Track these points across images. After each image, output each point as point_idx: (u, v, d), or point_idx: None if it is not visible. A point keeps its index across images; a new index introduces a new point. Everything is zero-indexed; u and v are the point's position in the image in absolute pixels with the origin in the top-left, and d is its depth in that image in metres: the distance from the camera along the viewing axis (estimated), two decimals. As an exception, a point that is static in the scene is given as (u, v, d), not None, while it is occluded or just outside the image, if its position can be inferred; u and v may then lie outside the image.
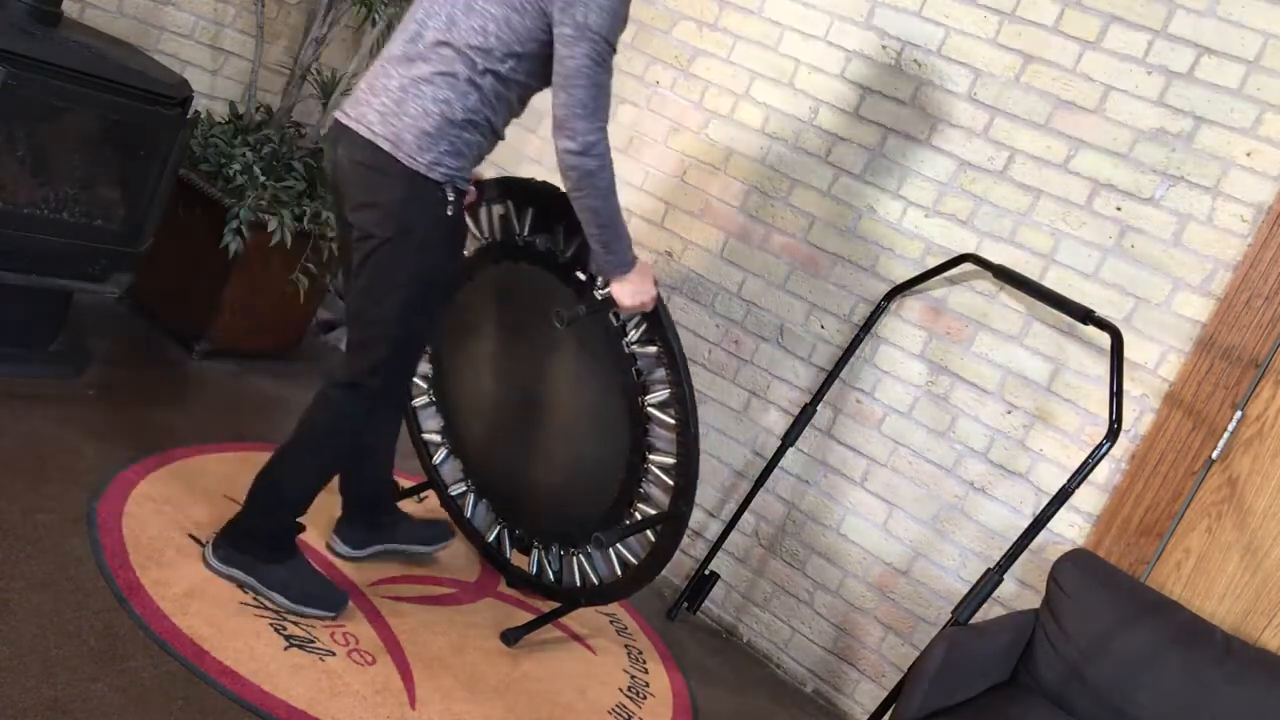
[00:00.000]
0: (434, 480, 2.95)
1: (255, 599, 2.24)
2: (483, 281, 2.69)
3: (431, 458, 2.94)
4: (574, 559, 2.69)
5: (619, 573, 2.62)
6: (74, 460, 2.46)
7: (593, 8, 2.01)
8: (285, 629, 2.20)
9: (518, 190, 2.54)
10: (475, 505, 2.89)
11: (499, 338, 2.73)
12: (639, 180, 3.32)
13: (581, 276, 2.46)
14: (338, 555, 2.55)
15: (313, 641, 2.20)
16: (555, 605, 2.71)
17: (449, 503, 2.93)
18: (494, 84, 2.11)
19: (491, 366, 2.76)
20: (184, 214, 3.23)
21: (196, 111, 3.12)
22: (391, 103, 2.11)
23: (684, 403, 2.39)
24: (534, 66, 2.13)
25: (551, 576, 2.73)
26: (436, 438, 2.94)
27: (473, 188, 2.36)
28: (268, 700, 1.97)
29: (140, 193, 2.81)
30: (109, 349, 3.09)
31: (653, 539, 2.55)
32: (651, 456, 2.49)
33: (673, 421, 2.43)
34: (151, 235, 2.90)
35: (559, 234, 2.49)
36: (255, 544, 2.26)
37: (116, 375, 2.96)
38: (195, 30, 3.52)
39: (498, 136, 2.23)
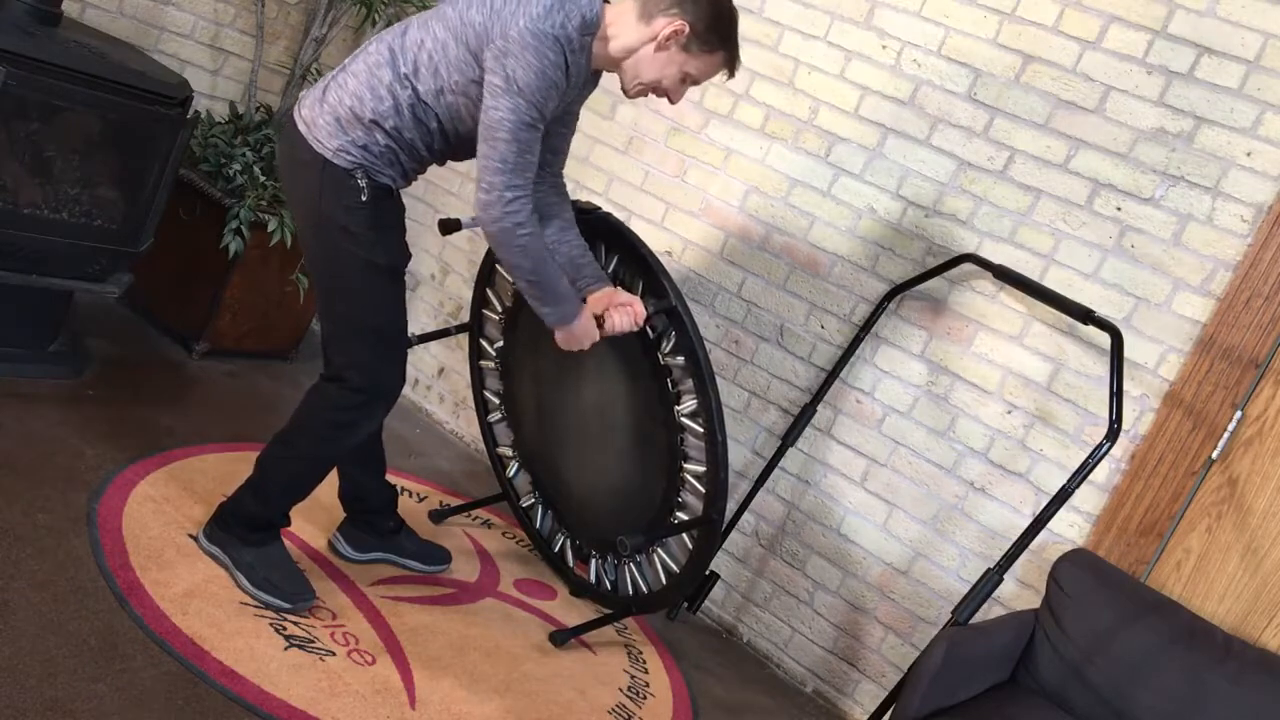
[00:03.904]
0: (507, 493, 3.05)
1: (254, 599, 2.25)
2: None
3: (505, 470, 3.04)
4: (626, 568, 2.77)
5: (664, 580, 2.69)
6: (74, 460, 2.46)
7: (523, 65, 1.99)
8: (285, 629, 2.20)
9: None
10: (544, 516, 2.98)
11: (556, 354, 2.81)
12: (639, 180, 3.32)
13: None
14: (339, 555, 2.56)
15: (313, 641, 2.20)
16: (564, 603, 2.72)
17: (520, 514, 3.00)
18: (411, 100, 2.10)
19: (548, 381, 2.86)
20: (184, 214, 3.23)
21: (196, 111, 3.12)
22: (321, 89, 2.16)
23: (710, 412, 2.47)
24: (456, 107, 2.12)
25: (609, 585, 2.81)
26: (509, 451, 3.04)
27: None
28: (268, 700, 1.97)
29: (140, 193, 2.81)
30: (109, 349, 3.09)
31: (690, 545, 2.62)
32: (686, 465, 2.55)
33: (701, 430, 2.47)
34: (151, 235, 2.90)
35: (599, 251, 2.60)
36: (238, 523, 2.30)
37: (116, 375, 2.96)
38: (195, 30, 3.52)
39: (425, 156, 2.21)
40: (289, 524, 2.37)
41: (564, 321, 2.27)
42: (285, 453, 2.30)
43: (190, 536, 2.36)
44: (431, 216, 3.69)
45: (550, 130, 2.31)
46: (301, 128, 2.13)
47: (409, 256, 2.28)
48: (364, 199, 2.12)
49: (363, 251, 2.16)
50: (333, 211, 2.13)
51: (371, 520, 2.59)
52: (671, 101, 2.23)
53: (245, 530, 2.30)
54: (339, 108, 2.11)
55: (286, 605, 2.25)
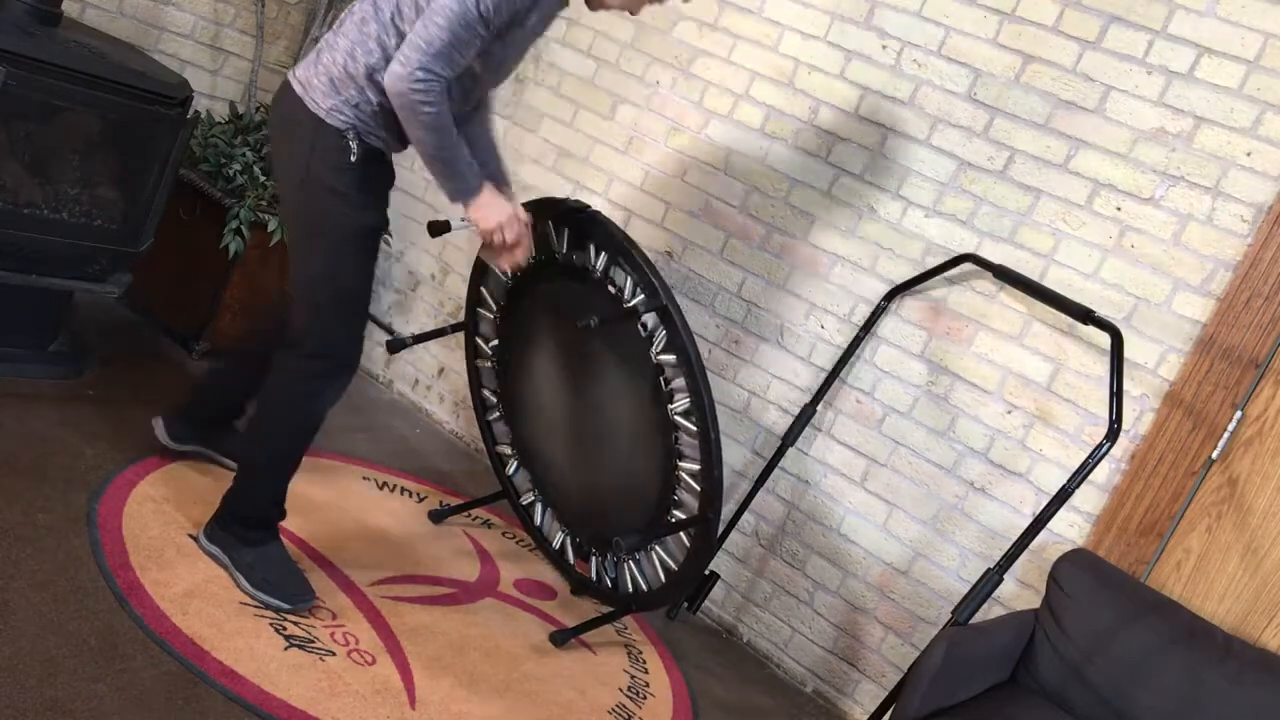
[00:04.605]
0: (507, 490, 3.05)
1: (255, 601, 2.25)
2: (534, 298, 2.81)
3: (505, 468, 3.04)
4: (626, 566, 2.78)
5: (663, 578, 2.69)
6: (74, 460, 2.46)
7: None
8: (285, 629, 2.20)
9: (554, 210, 2.68)
10: (543, 514, 2.98)
11: (551, 352, 2.84)
12: (639, 180, 3.32)
13: (611, 290, 2.60)
14: (155, 442, 2.59)
15: (313, 641, 2.20)
16: (564, 602, 2.72)
17: (520, 511, 3.03)
18: (399, 45, 2.10)
19: (545, 379, 2.86)
20: (184, 214, 3.23)
21: (196, 111, 3.12)
22: (315, 52, 2.21)
23: (703, 410, 2.47)
24: None
25: (609, 583, 2.81)
26: (508, 449, 3.04)
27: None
28: (268, 700, 1.97)
29: (140, 193, 2.81)
30: (109, 349, 3.09)
31: (687, 544, 2.62)
32: (682, 464, 2.55)
33: (695, 428, 2.47)
34: (151, 235, 2.90)
35: (589, 250, 2.62)
36: (234, 523, 2.32)
37: (116, 375, 2.96)
38: (195, 30, 3.52)
39: None
40: (284, 516, 2.38)
41: (464, 196, 2.23)
42: (256, 433, 2.34)
43: (190, 537, 2.36)
44: (431, 216, 3.69)
45: (507, 41, 2.31)
46: (298, 89, 2.18)
47: (388, 223, 2.33)
48: (353, 159, 2.16)
49: (350, 210, 2.20)
50: (321, 170, 2.17)
51: (202, 416, 2.64)
52: (632, 14, 2.37)
53: (243, 529, 2.30)
54: (333, 68, 2.15)
55: (286, 605, 2.25)
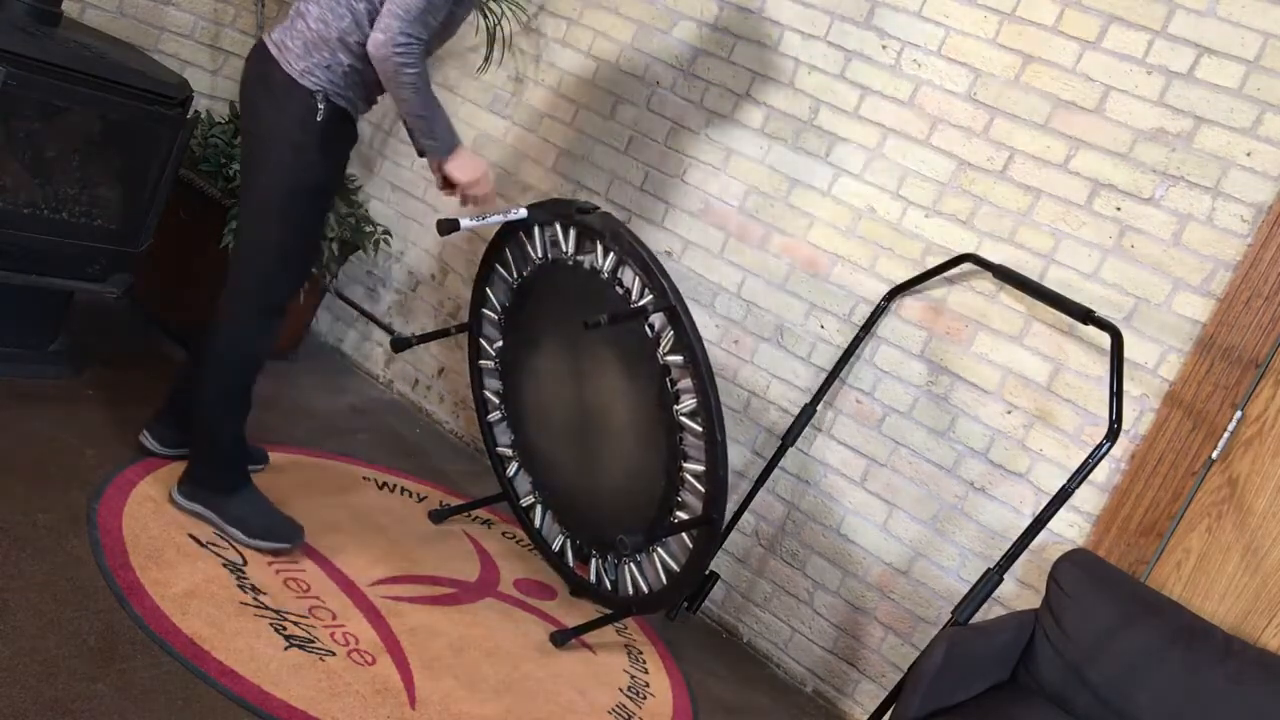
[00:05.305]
0: (507, 492, 3.06)
1: (254, 599, 2.25)
2: (539, 298, 2.82)
3: (505, 470, 3.05)
4: (627, 568, 2.77)
5: (664, 580, 2.69)
6: (74, 460, 2.46)
7: None
8: (285, 629, 2.20)
9: (561, 211, 2.69)
10: (543, 516, 2.98)
11: (556, 353, 2.84)
12: (639, 180, 3.32)
13: (618, 290, 2.61)
14: (147, 451, 2.61)
15: (313, 641, 2.20)
16: (567, 603, 2.72)
17: (520, 513, 3.03)
18: (369, 9, 2.22)
19: (549, 381, 2.87)
20: (184, 214, 3.23)
21: (196, 111, 3.12)
22: (290, 18, 2.31)
23: (709, 411, 2.47)
24: None
25: (609, 585, 2.81)
26: (509, 451, 3.04)
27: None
28: (268, 700, 1.97)
29: (140, 192, 2.81)
30: (109, 349, 3.09)
31: (690, 545, 2.62)
32: (686, 464, 2.55)
33: (700, 429, 2.48)
34: (151, 235, 2.90)
35: (597, 251, 2.62)
36: (205, 468, 2.38)
37: (116, 375, 2.96)
38: (195, 30, 3.52)
39: None
40: (251, 459, 2.46)
41: (442, 153, 2.36)
42: (205, 378, 2.39)
43: (191, 537, 2.36)
44: (432, 216, 3.69)
45: (466, 3, 2.39)
46: (274, 51, 2.27)
47: (343, 185, 2.43)
48: (319, 119, 2.25)
49: (308, 167, 2.29)
50: (288, 127, 2.26)
51: (185, 418, 2.65)
52: None
53: (213, 474, 2.38)
54: (306, 33, 2.25)
55: (287, 545, 2.35)
